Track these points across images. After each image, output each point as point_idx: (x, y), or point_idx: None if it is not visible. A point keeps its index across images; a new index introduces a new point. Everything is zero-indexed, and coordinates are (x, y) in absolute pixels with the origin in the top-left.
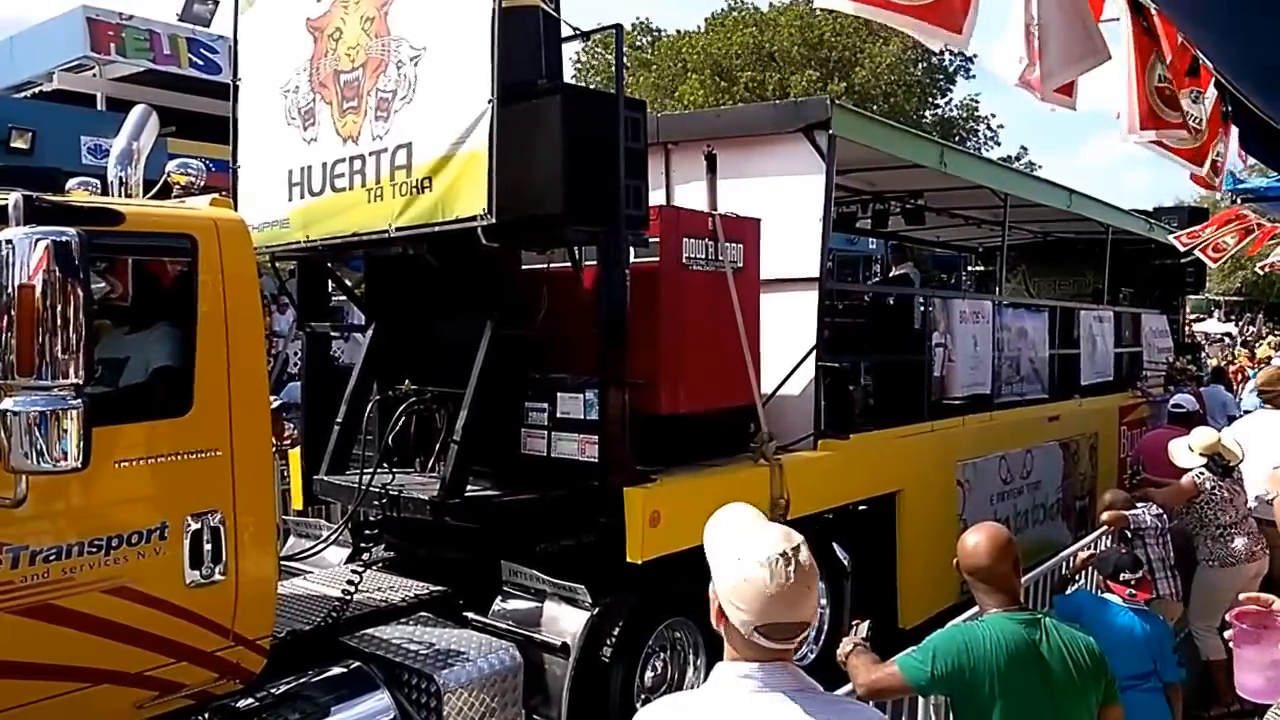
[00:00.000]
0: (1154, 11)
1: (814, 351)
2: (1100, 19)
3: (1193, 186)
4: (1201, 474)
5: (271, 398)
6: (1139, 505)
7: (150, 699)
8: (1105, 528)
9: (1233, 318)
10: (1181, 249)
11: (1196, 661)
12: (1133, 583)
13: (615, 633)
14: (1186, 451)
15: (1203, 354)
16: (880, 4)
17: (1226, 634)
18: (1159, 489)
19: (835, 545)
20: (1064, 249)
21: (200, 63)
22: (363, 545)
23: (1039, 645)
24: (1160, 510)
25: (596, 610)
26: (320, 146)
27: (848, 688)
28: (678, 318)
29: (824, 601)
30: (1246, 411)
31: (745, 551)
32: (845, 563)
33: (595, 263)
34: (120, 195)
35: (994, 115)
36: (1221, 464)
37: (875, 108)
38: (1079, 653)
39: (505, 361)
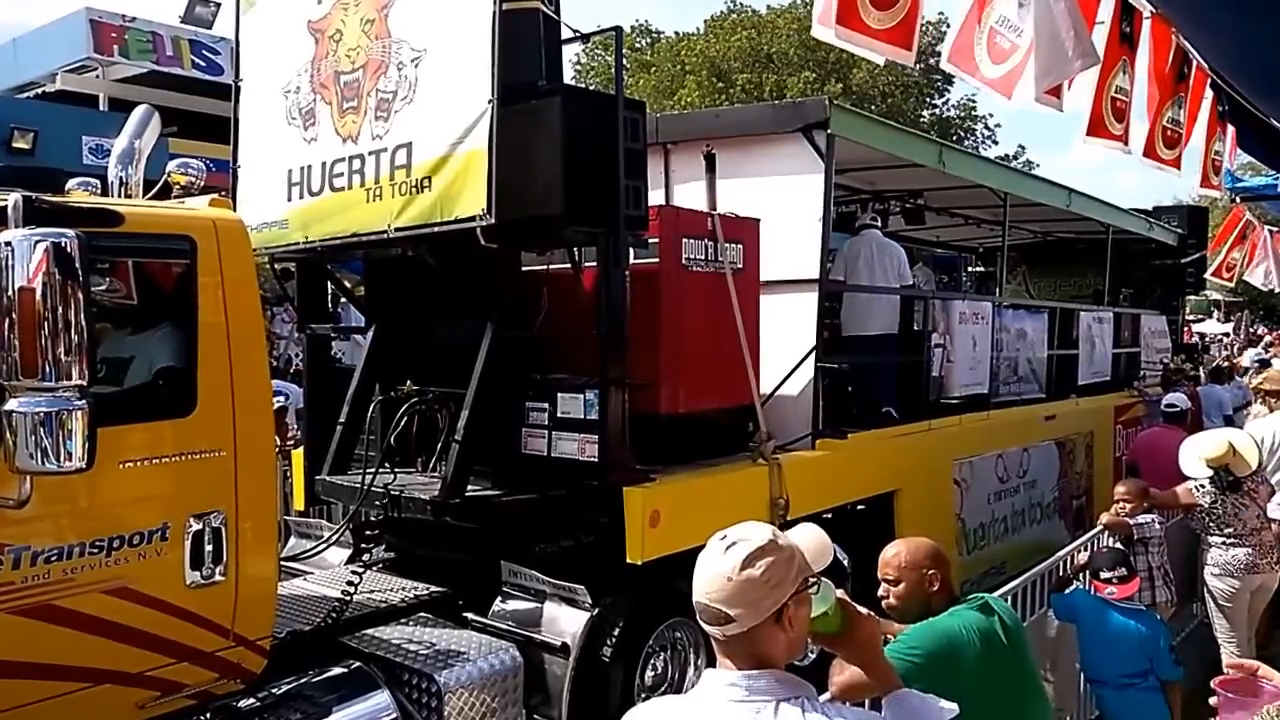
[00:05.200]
0: (1146, 16)
1: (813, 352)
2: (1094, 23)
3: (1188, 185)
4: (1202, 486)
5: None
6: (1144, 515)
7: (151, 699)
8: (1103, 529)
9: (1232, 318)
10: (1211, 278)
11: (1199, 662)
12: (1114, 580)
13: (615, 633)
14: (1194, 460)
15: (1200, 353)
16: (859, 29)
17: (1211, 700)
18: (1159, 492)
19: (835, 546)
20: (1064, 249)
21: (202, 64)
22: (363, 545)
23: (997, 625)
24: (1163, 517)
25: (596, 610)
26: (320, 146)
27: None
28: (677, 318)
29: None
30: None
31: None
32: (845, 563)
33: (595, 264)
34: (120, 195)
35: (991, 115)
36: (1228, 478)
37: (873, 108)
38: (1015, 622)
39: (506, 362)
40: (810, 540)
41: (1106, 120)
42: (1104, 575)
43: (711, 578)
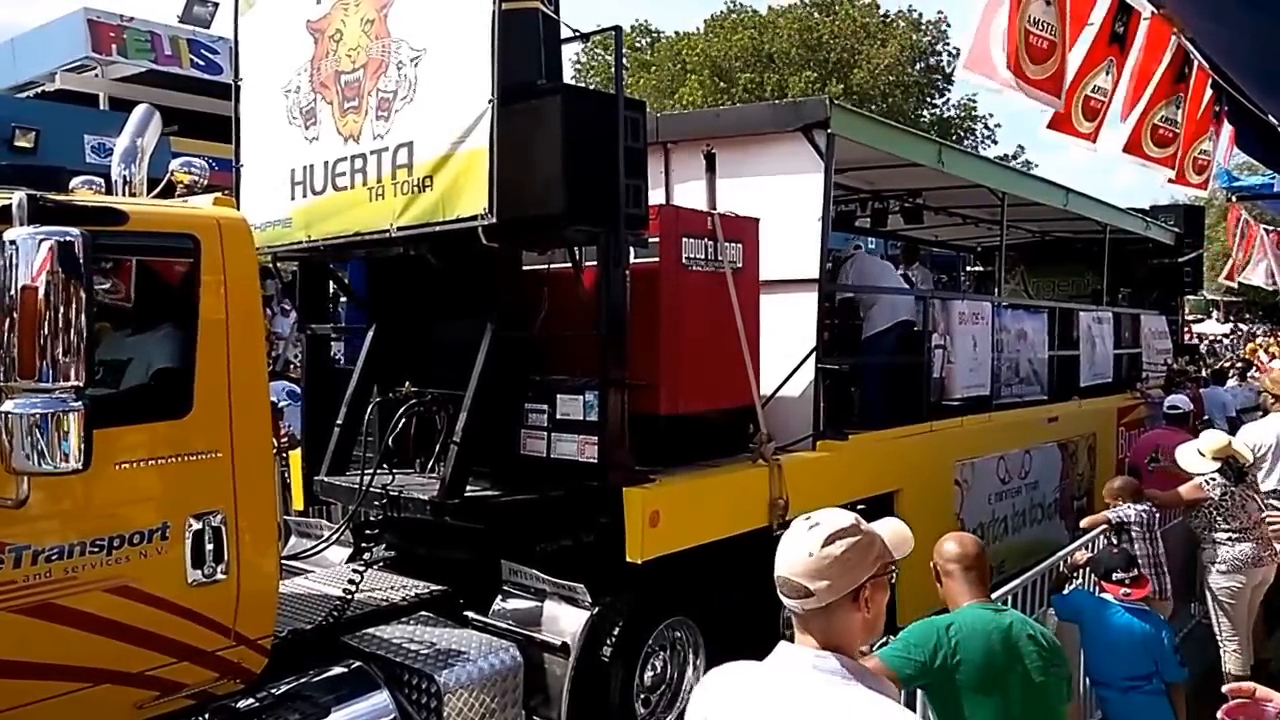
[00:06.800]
0: (1145, 16)
1: (814, 353)
2: (1085, 22)
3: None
4: (1212, 479)
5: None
6: (1125, 504)
7: (151, 699)
8: (1094, 529)
9: (1231, 318)
10: (1224, 281)
11: (1201, 661)
12: (1127, 581)
13: (615, 632)
14: (1197, 456)
15: (1202, 357)
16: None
17: None
18: (1162, 491)
19: None
20: (1063, 249)
21: (201, 63)
22: (363, 545)
23: (1010, 631)
24: (1147, 507)
25: (596, 610)
26: (322, 145)
27: None
28: (677, 318)
29: None
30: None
31: None
32: None
33: (595, 263)
34: (124, 194)
35: (991, 115)
36: (1235, 468)
37: (873, 108)
38: (1041, 639)
39: (505, 363)
40: (892, 531)
41: (1074, 117)
42: (1116, 577)
43: (794, 554)
